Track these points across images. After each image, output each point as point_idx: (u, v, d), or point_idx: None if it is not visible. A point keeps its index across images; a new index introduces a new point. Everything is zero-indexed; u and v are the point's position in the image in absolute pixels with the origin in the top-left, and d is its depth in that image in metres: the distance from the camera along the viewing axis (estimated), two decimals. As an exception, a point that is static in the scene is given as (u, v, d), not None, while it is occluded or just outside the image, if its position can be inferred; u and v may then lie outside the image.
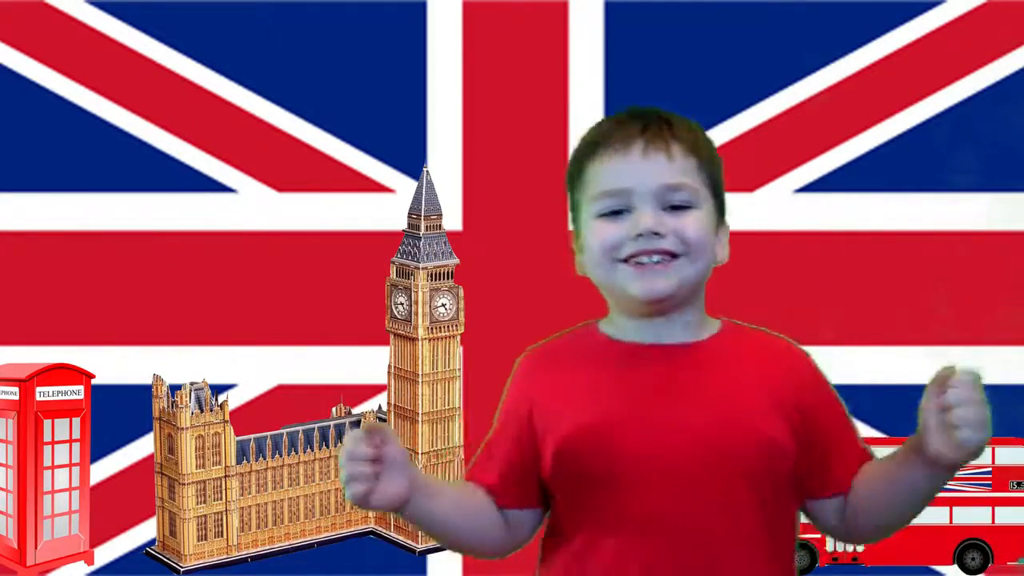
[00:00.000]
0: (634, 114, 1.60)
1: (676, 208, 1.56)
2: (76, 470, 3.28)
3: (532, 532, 1.65)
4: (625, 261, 1.56)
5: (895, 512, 1.59)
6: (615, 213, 1.56)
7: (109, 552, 3.31)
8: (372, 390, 3.40)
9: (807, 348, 1.63)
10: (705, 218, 1.57)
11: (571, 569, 1.58)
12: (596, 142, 1.59)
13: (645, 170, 1.56)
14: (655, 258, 1.55)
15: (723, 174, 1.62)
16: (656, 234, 1.54)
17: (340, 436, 3.41)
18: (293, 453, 3.39)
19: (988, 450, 3.17)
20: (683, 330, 1.59)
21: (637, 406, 1.55)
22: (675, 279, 1.55)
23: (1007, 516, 3.37)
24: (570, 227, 1.65)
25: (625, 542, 1.55)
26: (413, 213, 3.29)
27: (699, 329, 1.60)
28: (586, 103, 3.21)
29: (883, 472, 1.59)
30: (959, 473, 3.00)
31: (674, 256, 1.55)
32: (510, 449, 1.62)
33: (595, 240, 1.57)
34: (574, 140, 1.64)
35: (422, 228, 3.28)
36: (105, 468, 3.31)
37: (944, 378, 1.47)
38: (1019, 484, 3.36)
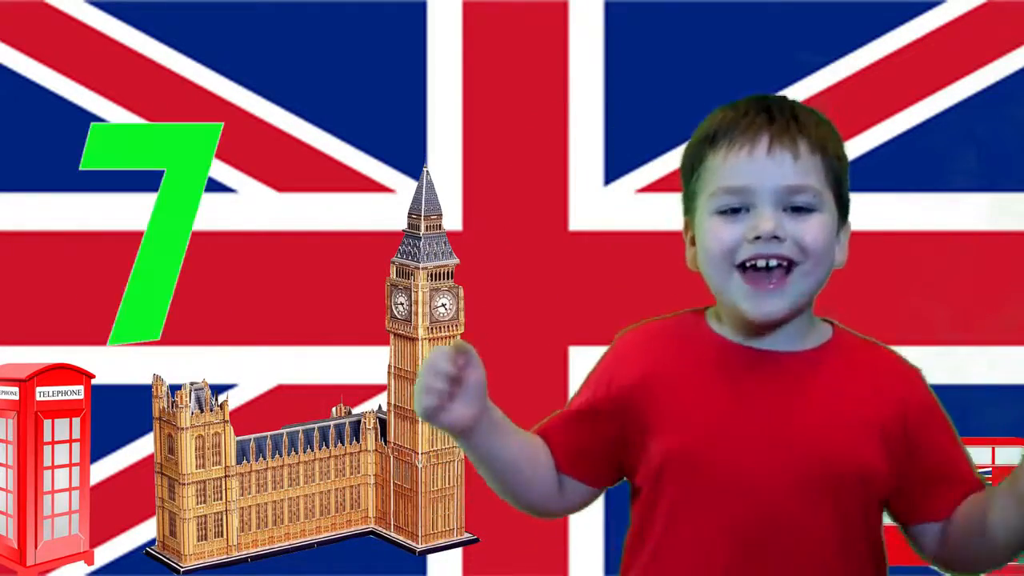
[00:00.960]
0: (760, 105, 1.54)
1: (797, 210, 1.51)
2: (76, 470, 3.28)
3: (582, 505, 1.62)
4: (741, 266, 1.51)
5: (986, 547, 1.54)
6: (733, 211, 1.51)
7: (109, 552, 3.31)
8: (372, 390, 3.40)
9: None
10: (826, 222, 1.52)
11: (653, 564, 1.56)
12: (719, 132, 1.53)
13: (769, 169, 1.50)
14: (772, 263, 1.50)
15: (848, 171, 1.57)
16: (775, 238, 1.49)
17: (340, 436, 3.41)
18: (293, 453, 3.39)
19: (988, 450, 3.16)
20: (788, 338, 1.55)
21: (737, 414, 1.52)
22: (788, 300, 1.51)
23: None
24: (683, 217, 1.60)
25: (709, 542, 1.53)
26: (413, 213, 3.29)
27: (806, 336, 1.56)
28: (586, 103, 3.21)
29: (982, 503, 1.54)
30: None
31: (791, 264, 1.50)
32: (592, 420, 1.59)
33: (712, 240, 1.52)
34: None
35: (422, 228, 3.28)
36: (105, 468, 3.30)
37: None
38: (1019, 484, 3.35)
